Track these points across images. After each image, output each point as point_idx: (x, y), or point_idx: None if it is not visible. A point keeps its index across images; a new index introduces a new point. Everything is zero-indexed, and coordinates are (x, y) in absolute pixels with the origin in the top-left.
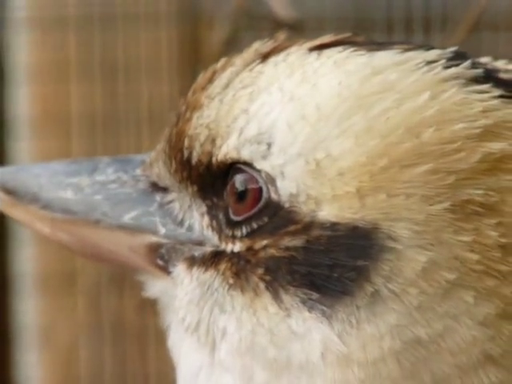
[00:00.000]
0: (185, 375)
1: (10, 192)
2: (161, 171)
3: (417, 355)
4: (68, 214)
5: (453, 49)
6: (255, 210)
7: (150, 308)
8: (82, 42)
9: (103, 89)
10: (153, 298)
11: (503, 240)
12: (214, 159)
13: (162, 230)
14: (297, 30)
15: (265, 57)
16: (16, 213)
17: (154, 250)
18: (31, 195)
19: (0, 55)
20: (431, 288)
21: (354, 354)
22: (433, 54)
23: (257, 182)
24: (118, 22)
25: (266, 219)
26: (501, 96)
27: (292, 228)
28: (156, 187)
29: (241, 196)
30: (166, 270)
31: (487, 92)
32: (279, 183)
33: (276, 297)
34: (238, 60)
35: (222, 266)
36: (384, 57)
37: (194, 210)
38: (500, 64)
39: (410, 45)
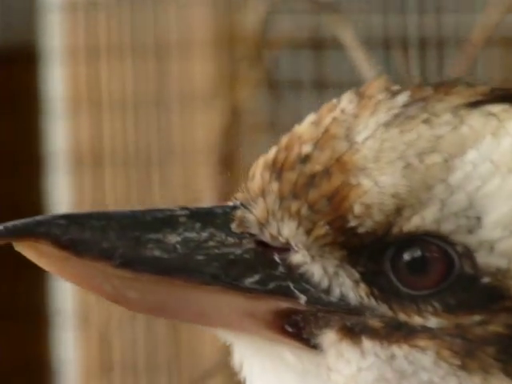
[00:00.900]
0: None
1: (65, 246)
2: (285, 232)
3: None
4: (162, 275)
5: None
6: (445, 284)
7: None
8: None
9: (134, 69)
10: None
11: None
12: (395, 230)
13: (302, 297)
14: (334, 10)
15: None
16: (69, 268)
17: (285, 317)
18: (98, 250)
19: (35, 38)
20: None
21: None
22: None
23: (448, 255)
24: (148, 1)
25: (462, 294)
26: None
27: (509, 304)
28: (268, 247)
29: (417, 268)
30: (298, 337)
31: None
32: (481, 258)
33: (511, 376)
34: (382, 111)
35: (425, 343)
36: None
37: (343, 277)
38: None
39: None
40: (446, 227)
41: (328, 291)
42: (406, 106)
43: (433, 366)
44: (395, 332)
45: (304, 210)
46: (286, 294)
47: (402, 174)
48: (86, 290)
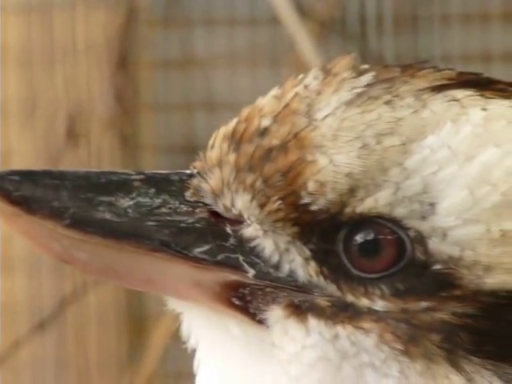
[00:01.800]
0: None
1: (17, 202)
2: (238, 204)
3: None
4: (111, 238)
5: None
6: (395, 268)
7: None
8: None
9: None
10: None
11: None
12: (347, 210)
13: (251, 271)
14: None
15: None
16: (19, 224)
17: (232, 290)
18: (49, 209)
19: None
20: None
21: None
22: None
23: (400, 239)
24: None
25: (412, 279)
26: None
27: (457, 292)
28: (220, 218)
29: (368, 251)
30: (245, 311)
31: None
32: (433, 244)
33: (456, 366)
34: (345, 91)
35: (369, 325)
36: None
37: (293, 253)
38: None
39: None
40: (400, 211)
41: (277, 267)
42: (369, 85)
43: (375, 348)
44: (341, 312)
45: (258, 184)
46: (235, 266)
47: (357, 154)
48: (36, 246)
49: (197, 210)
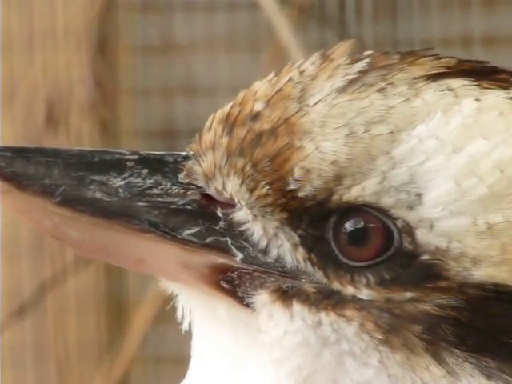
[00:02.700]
0: None
1: (8, 178)
2: (229, 188)
3: None
4: (100, 218)
5: None
6: (382, 257)
7: None
8: None
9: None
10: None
11: None
12: (334, 197)
13: (239, 255)
14: None
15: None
16: (10, 201)
17: (221, 273)
18: (40, 186)
19: None
20: None
21: None
22: None
23: (387, 229)
24: None
25: (399, 269)
26: None
27: (443, 284)
28: (212, 201)
29: (357, 239)
30: (233, 294)
31: None
32: (421, 235)
33: (437, 358)
34: (338, 76)
35: (351, 313)
36: None
37: (282, 239)
38: None
39: None
40: (386, 201)
41: (265, 251)
42: (363, 72)
43: (355, 337)
44: (326, 299)
45: (248, 168)
46: (223, 249)
47: (344, 141)
48: (28, 222)
49: (189, 192)
